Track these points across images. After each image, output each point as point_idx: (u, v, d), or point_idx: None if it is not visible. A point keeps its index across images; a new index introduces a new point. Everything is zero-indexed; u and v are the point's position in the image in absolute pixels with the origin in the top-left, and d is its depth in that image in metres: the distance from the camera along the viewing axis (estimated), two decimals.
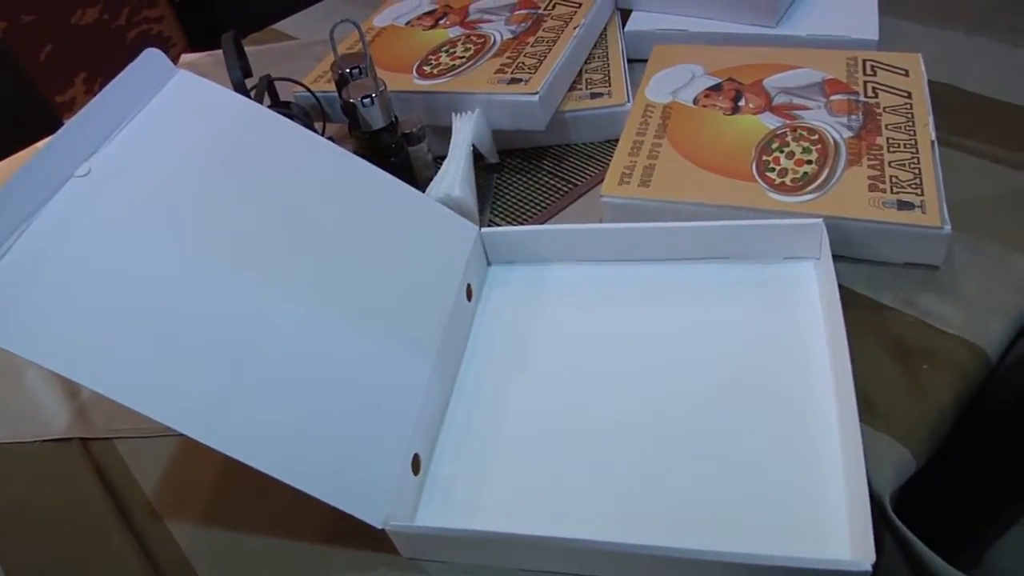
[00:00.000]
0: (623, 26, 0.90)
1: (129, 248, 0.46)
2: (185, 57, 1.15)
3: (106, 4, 1.92)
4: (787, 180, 0.63)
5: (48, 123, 1.28)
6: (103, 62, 1.92)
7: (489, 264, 0.67)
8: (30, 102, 1.27)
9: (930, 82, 0.78)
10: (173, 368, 0.44)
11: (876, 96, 0.71)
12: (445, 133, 0.74)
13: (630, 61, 0.86)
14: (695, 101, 0.74)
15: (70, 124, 0.48)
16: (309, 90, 0.80)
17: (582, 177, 0.77)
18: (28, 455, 0.62)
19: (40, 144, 1.00)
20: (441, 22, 0.90)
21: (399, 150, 0.72)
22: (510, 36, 0.83)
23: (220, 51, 1.08)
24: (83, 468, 0.60)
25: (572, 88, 0.80)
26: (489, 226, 0.68)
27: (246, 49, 0.80)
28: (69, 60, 1.88)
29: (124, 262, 0.46)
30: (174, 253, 0.48)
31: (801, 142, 0.67)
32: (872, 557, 0.40)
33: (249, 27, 1.25)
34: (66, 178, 0.47)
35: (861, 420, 0.51)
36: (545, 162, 0.80)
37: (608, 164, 0.68)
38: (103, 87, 0.50)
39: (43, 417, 0.64)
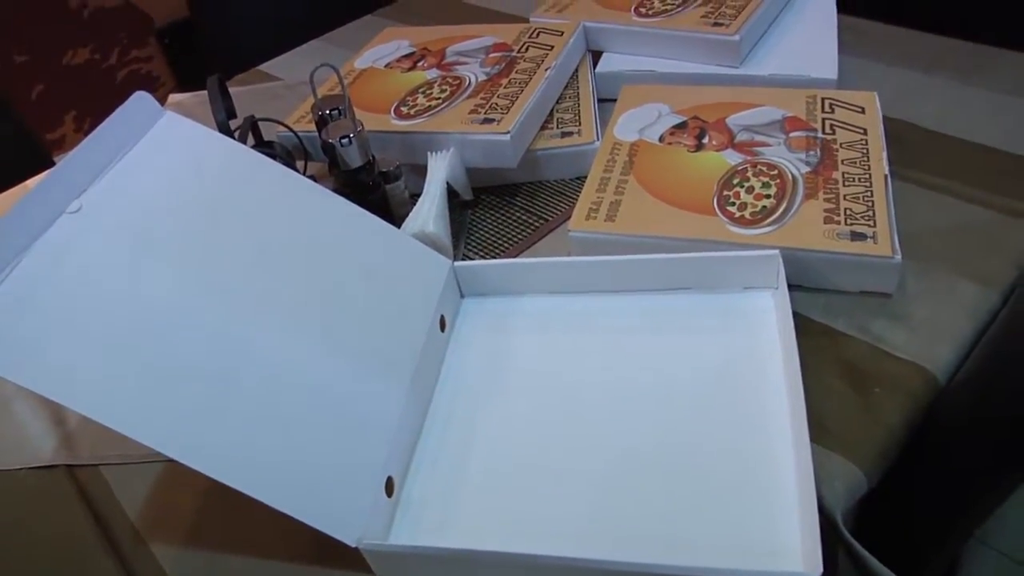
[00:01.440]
0: (594, 67, 0.94)
1: (117, 280, 0.49)
2: (172, 97, 1.18)
3: (97, 45, 1.95)
4: (746, 213, 0.66)
5: (38, 160, 1.30)
6: (93, 100, 1.95)
7: (462, 296, 0.70)
8: (21, 140, 1.30)
9: (886, 118, 0.82)
10: (158, 393, 0.46)
11: (833, 132, 0.74)
12: (421, 171, 0.76)
13: (601, 100, 0.89)
14: (661, 139, 0.77)
15: (63, 163, 0.51)
16: (291, 130, 0.83)
17: (553, 213, 0.80)
18: (15, 482, 0.63)
19: (31, 182, 1.03)
20: (419, 64, 0.93)
21: (376, 188, 0.75)
22: (484, 78, 0.86)
23: (205, 92, 1.12)
24: (69, 494, 0.61)
25: (543, 127, 0.83)
26: (464, 260, 0.71)
27: (232, 89, 0.83)
28: (60, 99, 1.91)
29: (112, 294, 0.48)
30: (160, 285, 0.50)
31: (761, 177, 0.70)
32: (820, 569, 0.43)
33: (235, 67, 1.28)
34: (58, 214, 0.49)
35: (815, 441, 0.53)
36: (517, 198, 0.82)
37: (578, 200, 0.71)
38: (93, 125, 0.53)
39: (30, 445, 0.66)
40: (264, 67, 1.23)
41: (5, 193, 1.04)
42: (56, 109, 1.91)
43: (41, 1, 1.83)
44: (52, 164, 1.31)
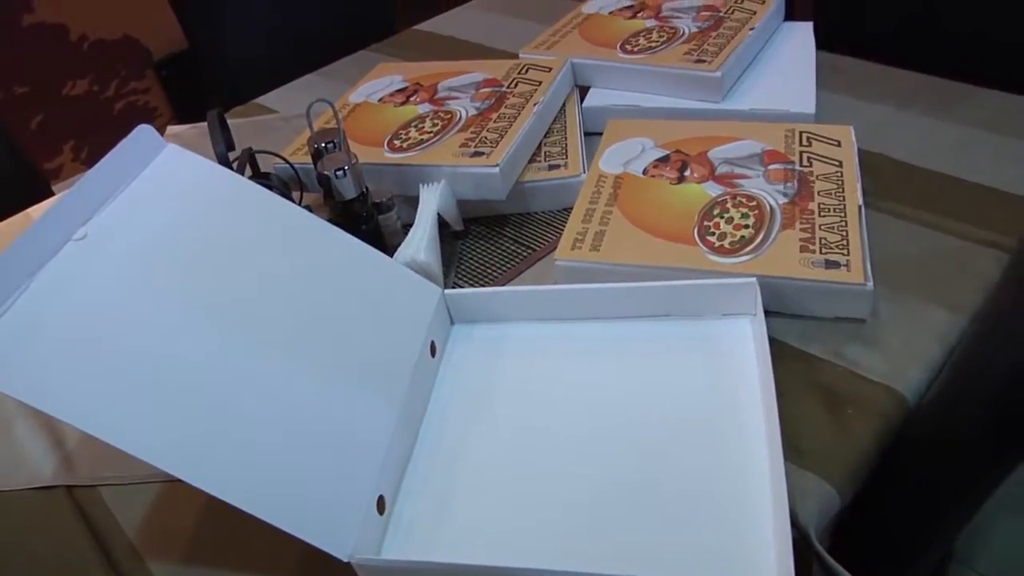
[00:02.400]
0: (581, 102, 0.97)
1: (121, 304, 0.51)
2: (171, 129, 1.20)
3: (96, 76, 1.98)
4: (725, 243, 0.69)
5: (37, 189, 1.32)
6: (91, 131, 1.98)
7: (452, 323, 0.72)
8: (21, 169, 1.32)
9: (862, 151, 0.85)
10: (159, 413, 0.48)
11: (810, 165, 0.77)
12: (413, 202, 0.79)
13: (587, 134, 0.92)
14: (644, 172, 0.80)
15: (69, 192, 0.53)
16: (288, 162, 0.86)
17: (541, 243, 0.82)
18: (15, 502, 0.65)
19: (32, 210, 1.06)
20: (412, 99, 0.96)
21: (370, 218, 0.77)
22: (475, 112, 0.89)
23: (204, 123, 1.14)
24: (68, 514, 0.63)
25: (531, 160, 0.86)
26: (454, 288, 0.73)
27: (230, 121, 0.85)
28: (58, 129, 1.94)
29: (116, 317, 0.50)
30: (162, 309, 0.53)
31: (740, 208, 0.73)
32: None
33: (231, 99, 1.31)
34: (64, 241, 0.52)
35: (790, 461, 0.56)
36: (506, 229, 0.85)
37: (564, 231, 0.74)
38: (91, 155, 0.56)
39: (30, 466, 0.68)
40: (260, 100, 1.26)
41: (6, 221, 1.06)
42: (55, 139, 1.94)
43: (43, 33, 1.87)
44: (51, 193, 1.34)
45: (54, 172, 1.96)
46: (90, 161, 1.99)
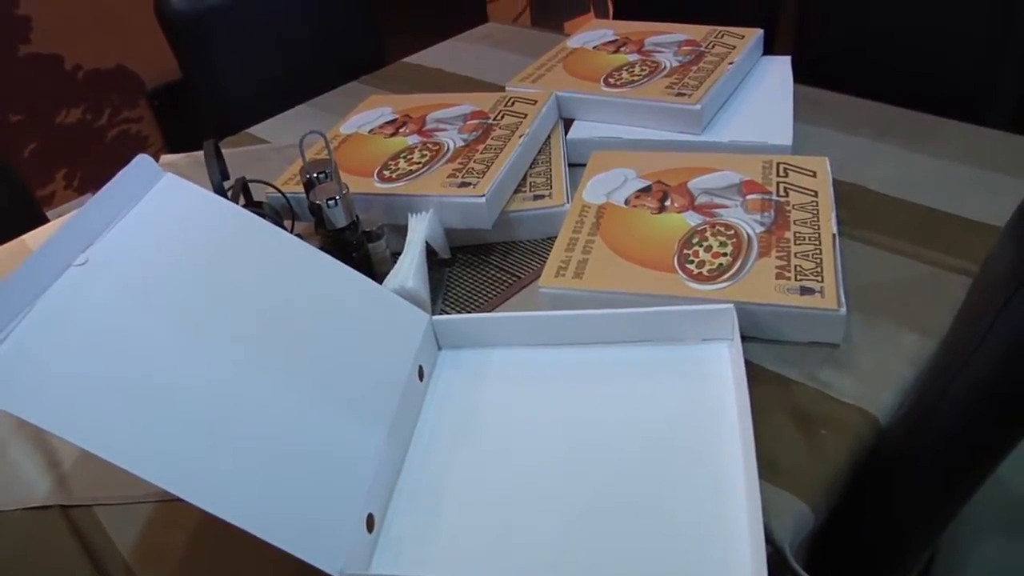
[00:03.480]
0: (566, 134, 0.99)
1: (120, 327, 0.53)
2: (165, 158, 1.22)
3: (90, 105, 2.01)
4: (704, 271, 0.71)
5: (30, 215, 1.34)
6: (83, 159, 2.00)
7: (440, 348, 0.74)
8: (15, 196, 1.34)
9: (837, 181, 0.88)
10: (156, 432, 0.50)
11: (787, 195, 0.80)
12: (402, 231, 0.81)
13: (571, 165, 0.95)
14: (626, 202, 0.82)
15: (70, 220, 0.55)
16: (280, 191, 0.88)
17: (525, 271, 0.84)
18: (10, 522, 0.66)
19: (27, 236, 1.07)
20: (401, 130, 0.98)
21: (360, 246, 0.79)
22: (462, 144, 0.92)
23: (198, 153, 1.17)
24: (63, 534, 0.65)
25: (517, 190, 0.89)
26: (441, 314, 0.75)
27: (223, 151, 0.88)
28: (52, 157, 1.96)
29: (115, 339, 0.52)
30: (160, 332, 0.55)
31: (719, 237, 0.75)
32: None
33: (223, 129, 1.33)
34: (66, 266, 0.54)
35: (766, 479, 0.58)
36: (492, 257, 0.87)
37: (548, 259, 0.76)
38: (83, 182, 0.58)
39: (25, 486, 0.69)
40: (252, 130, 1.28)
41: (2, 247, 1.07)
42: (48, 166, 1.96)
43: (39, 63, 1.89)
44: (45, 219, 1.36)
45: (47, 199, 1.98)
46: (82, 188, 2.01)
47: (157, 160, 1.09)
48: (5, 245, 1.08)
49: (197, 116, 1.52)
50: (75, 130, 1.98)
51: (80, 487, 0.68)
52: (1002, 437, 0.55)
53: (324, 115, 1.28)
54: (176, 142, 2.16)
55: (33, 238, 1.09)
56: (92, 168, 2.01)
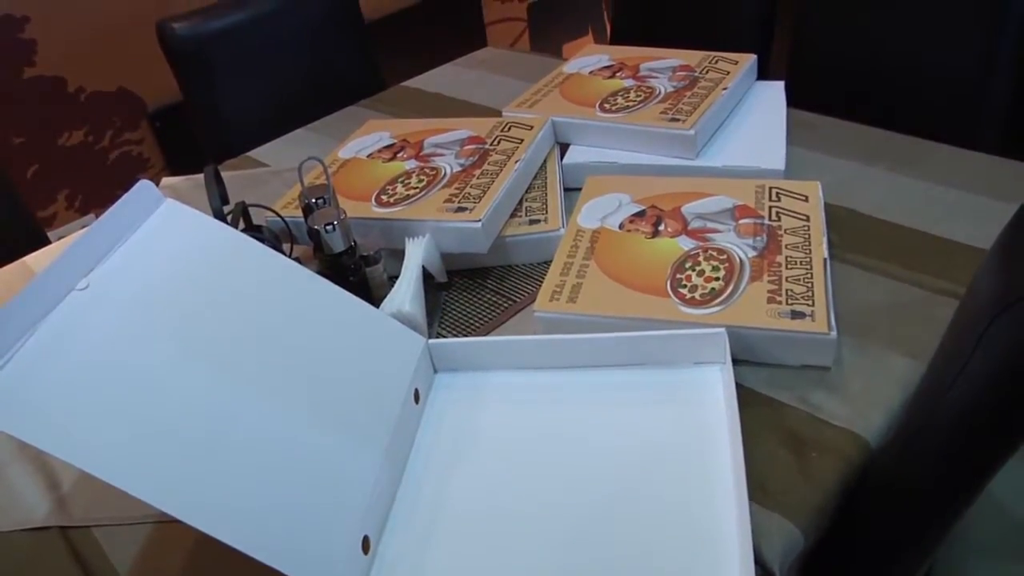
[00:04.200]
0: (561, 158, 1.01)
1: (121, 351, 0.54)
2: (165, 180, 1.24)
3: (92, 127, 2.02)
4: (697, 295, 0.72)
5: (32, 236, 1.35)
6: (85, 180, 2.01)
7: (436, 371, 0.75)
8: (17, 217, 1.35)
9: (829, 205, 0.89)
10: (155, 454, 0.51)
11: (779, 219, 0.81)
12: (399, 255, 0.82)
13: (567, 189, 0.96)
14: (621, 226, 0.83)
15: (72, 244, 0.57)
16: (279, 215, 0.89)
17: (520, 294, 0.85)
18: (9, 544, 0.67)
19: (29, 258, 1.09)
20: (399, 155, 1.00)
21: (357, 271, 0.80)
22: (459, 169, 0.93)
23: (198, 176, 1.18)
24: (62, 555, 0.65)
25: (513, 215, 0.90)
26: (437, 338, 0.76)
27: (223, 174, 0.89)
28: (54, 178, 1.97)
29: (116, 362, 0.53)
30: (161, 355, 0.56)
31: (711, 261, 0.76)
32: None
33: (223, 151, 1.35)
34: (68, 291, 0.55)
35: (757, 501, 0.59)
36: (488, 281, 0.88)
37: (543, 283, 0.77)
38: (84, 203, 0.59)
39: (24, 508, 0.70)
40: (252, 153, 1.30)
41: (4, 269, 1.09)
42: (50, 187, 1.97)
43: (43, 85, 1.91)
44: (46, 239, 1.37)
45: (48, 220, 1.99)
46: (84, 209, 2.03)
47: (158, 182, 1.10)
48: (7, 267, 1.09)
49: (198, 138, 1.53)
50: (77, 152, 2.00)
51: (79, 508, 0.69)
52: (988, 459, 0.56)
53: (323, 139, 1.29)
54: (177, 163, 2.17)
55: (35, 260, 1.10)
56: (93, 189, 2.02)
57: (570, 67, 1.19)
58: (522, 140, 0.97)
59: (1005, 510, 0.83)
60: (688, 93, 1.03)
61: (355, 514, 0.57)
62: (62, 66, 1.94)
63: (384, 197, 0.90)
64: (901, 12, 1.27)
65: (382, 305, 0.75)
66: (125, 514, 0.67)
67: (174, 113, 2.12)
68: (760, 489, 0.60)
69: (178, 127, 2.14)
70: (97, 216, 2.04)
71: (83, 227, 1.99)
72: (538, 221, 0.88)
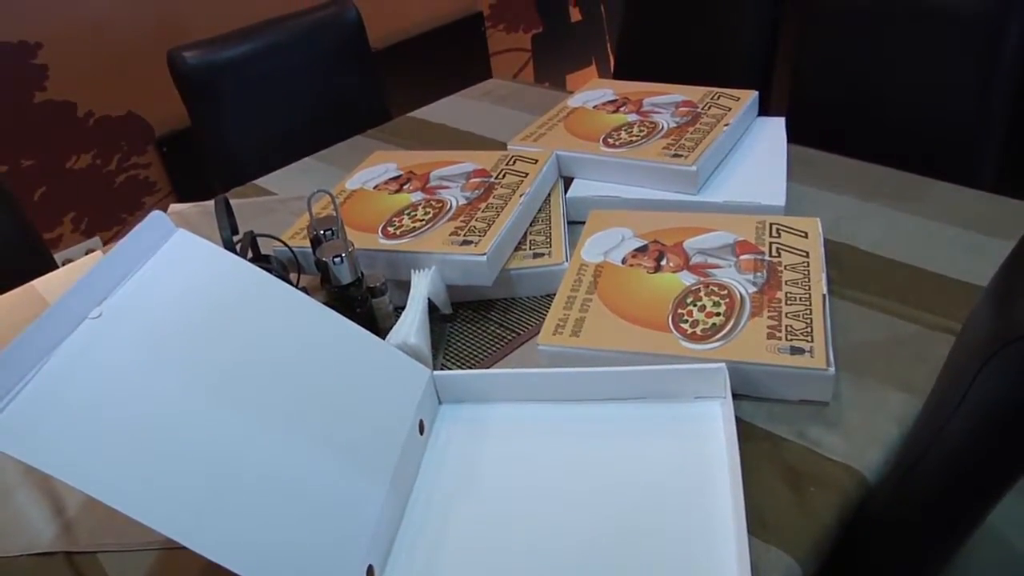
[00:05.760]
0: (566, 192, 1.02)
1: (131, 378, 0.56)
2: (173, 207, 1.25)
3: (100, 151, 2.04)
4: (697, 330, 0.74)
5: (38, 258, 1.37)
6: (91, 203, 2.03)
7: (440, 402, 0.76)
8: (24, 238, 1.37)
9: (829, 241, 0.90)
10: (163, 481, 0.52)
11: (779, 255, 0.82)
12: (405, 286, 0.84)
13: (571, 223, 0.98)
14: (623, 261, 0.85)
15: (87, 274, 0.58)
16: (287, 246, 0.90)
17: (524, 327, 0.86)
18: (14, 568, 0.68)
19: (36, 282, 1.10)
20: (405, 187, 1.01)
21: (364, 302, 0.82)
22: (464, 201, 0.94)
23: (206, 203, 1.20)
24: None
25: (517, 248, 0.91)
26: (441, 370, 0.77)
27: (231, 201, 0.90)
28: (61, 200, 1.99)
29: (127, 390, 0.55)
30: (170, 384, 0.57)
31: (712, 297, 0.78)
32: None
33: (229, 176, 1.36)
34: (81, 319, 0.57)
35: (755, 535, 0.60)
36: (492, 313, 0.89)
37: (547, 316, 0.78)
38: (90, 225, 0.60)
39: (30, 533, 0.71)
40: (259, 182, 1.31)
41: (12, 293, 1.10)
42: (56, 210, 1.99)
43: (52, 109, 1.94)
44: (52, 261, 1.38)
45: (54, 241, 2.01)
46: (90, 232, 2.05)
47: (164, 206, 1.12)
48: (16, 290, 1.11)
49: (205, 164, 1.55)
50: (84, 175, 2.02)
51: (85, 534, 0.70)
52: (983, 496, 0.57)
53: (330, 168, 1.31)
54: (183, 188, 2.19)
55: (43, 284, 1.12)
56: (100, 212, 2.04)
57: (574, 101, 1.21)
58: (527, 174, 0.98)
59: (1004, 542, 0.84)
60: (691, 129, 1.05)
61: (360, 543, 0.58)
62: (72, 91, 1.96)
63: (390, 229, 0.91)
64: (899, 51, 1.29)
65: (388, 337, 0.76)
66: (131, 540, 0.68)
67: (181, 138, 2.15)
68: (759, 523, 0.61)
69: (185, 152, 2.16)
70: (103, 239, 2.06)
71: (88, 250, 2.01)
72: (542, 255, 0.90)
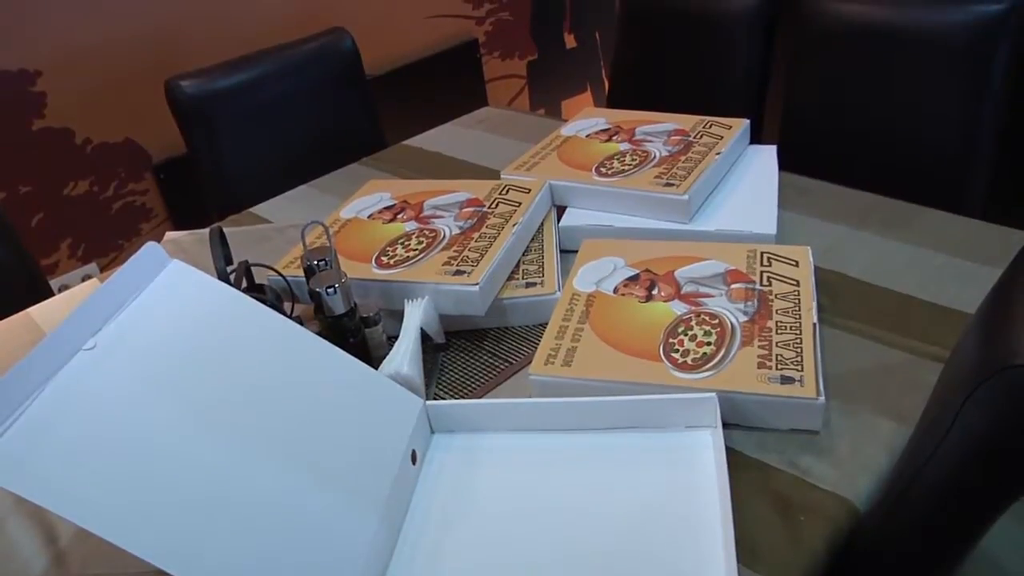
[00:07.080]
0: (558, 221, 1.03)
1: (126, 410, 0.56)
2: (169, 235, 1.26)
3: (97, 177, 2.05)
4: (688, 360, 0.74)
5: (34, 284, 1.37)
6: (88, 230, 2.04)
7: (433, 432, 0.76)
8: (21, 265, 1.37)
9: (820, 269, 0.91)
10: (155, 512, 0.52)
11: (770, 284, 0.83)
12: (398, 315, 0.84)
13: (563, 251, 0.98)
14: (615, 290, 0.85)
15: (81, 306, 0.59)
16: (281, 275, 0.91)
17: (517, 356, 0.87)
18: None
19: (31, 310, 1.10)
20: (399, 216, 1.02)
21: (357, 332, 0.82)
22: (458, 231, 0.95)
23: (201, 231, 1.21)
24: None
25: (510, 277, 0.92)
26: (434, 399, 0.78)
27: (226, 230, 0.91)
28: (57, 227, 2.00)
29: (121, 422, 0.55)
30: (164, 415, 0.57)
31: (703, 326, 0.78)
32: None
33: (226, 202, 1.37)
34: (76, 351, 0.57)
35: (745, 564, 0.60)
36: (485, 343, 0.90)
37: (539, 346, 0.79)
38: (87, 251, 0.61)
39: (20, 562, 0.71)
40: (255, 209, 1.32)
41: (8, 320, 1.10)
42: (53, 236, 2.00)
43: (50, 136, 1.95)
44: (48, 288, 1.39)
45: (51, 268, 2.02)
46: (86, 258, 2.05)
47: (161, 232, 1.12)
48: (12, 318, 1.11)
49: (201, 191, 1.56)
50: (81, 201, 2.03)
51: (76, 564, 0.70)
52: (972, 524, 0.58)
53: (325, 196, 1.32)
54: (179, 214, 2.20)
55: (40, 312, 1.12)
56: (96, 239, 2.05)
57: (568, 130, 1.22)
58: (520, 203, 0.99)
59: (996, 566, 0.84)
60: (683, 158, 1.06)
61: (352, 573, 0.58)
62: (70, 118, 1.98)
63: (384, 259, 0.92)
64: (889, 81, 1.30)
65: (381, 367, 0.77)
66: (122, 571, 0.68)
67: (178, 165, 2.16)
68: (749, 552, 0.62)
69: (182, 179, 2.17)
70: (100, 265, 2.06)
71: (85, 276, 2.01)
72: (534, 284, 0.90)
